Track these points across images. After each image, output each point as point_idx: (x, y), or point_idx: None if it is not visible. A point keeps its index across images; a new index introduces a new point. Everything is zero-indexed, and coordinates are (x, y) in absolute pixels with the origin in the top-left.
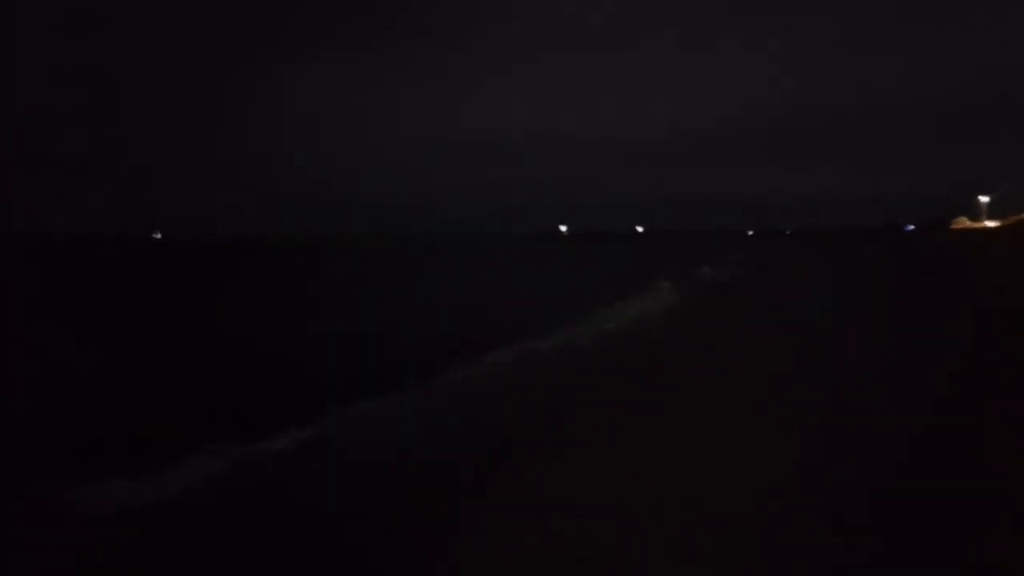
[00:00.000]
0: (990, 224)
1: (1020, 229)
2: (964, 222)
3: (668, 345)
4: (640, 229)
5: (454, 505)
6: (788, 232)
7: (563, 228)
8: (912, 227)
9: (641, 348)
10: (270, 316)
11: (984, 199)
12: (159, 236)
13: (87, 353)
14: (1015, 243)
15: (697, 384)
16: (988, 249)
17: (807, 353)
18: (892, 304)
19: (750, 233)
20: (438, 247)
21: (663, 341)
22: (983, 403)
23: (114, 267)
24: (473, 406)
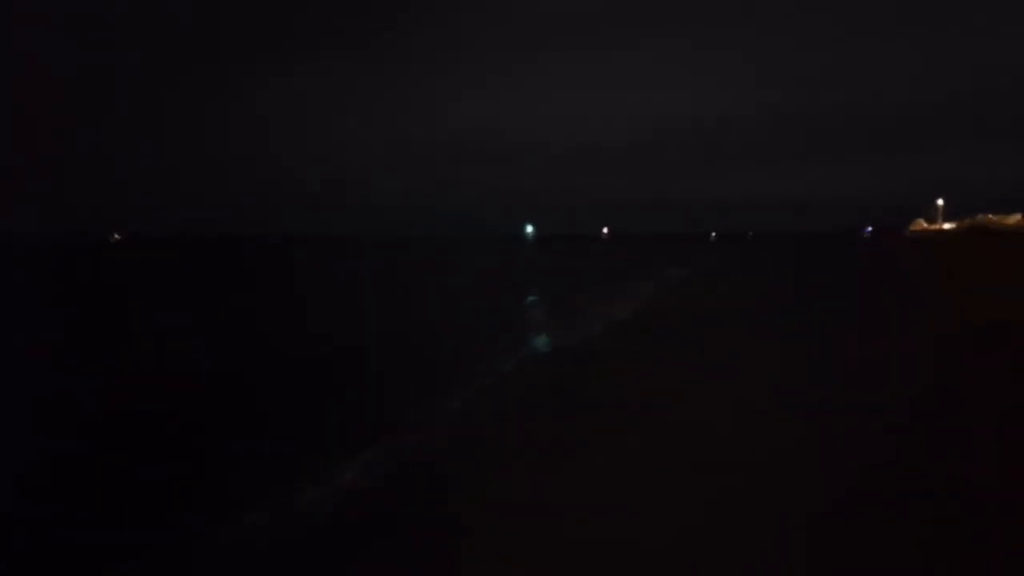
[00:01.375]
0: (946, 226)
1: (971, 231)
2: (921, 224)
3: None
4: (605, 231)
5: None
6: (750, 234)
7: (529, 229)
8: (870, 229)
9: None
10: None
11: (940, 202)
12: (117, 237)
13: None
14: (961, 243)
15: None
16: (937, 249)
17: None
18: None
19: (713, 235)
20: (404, 248)
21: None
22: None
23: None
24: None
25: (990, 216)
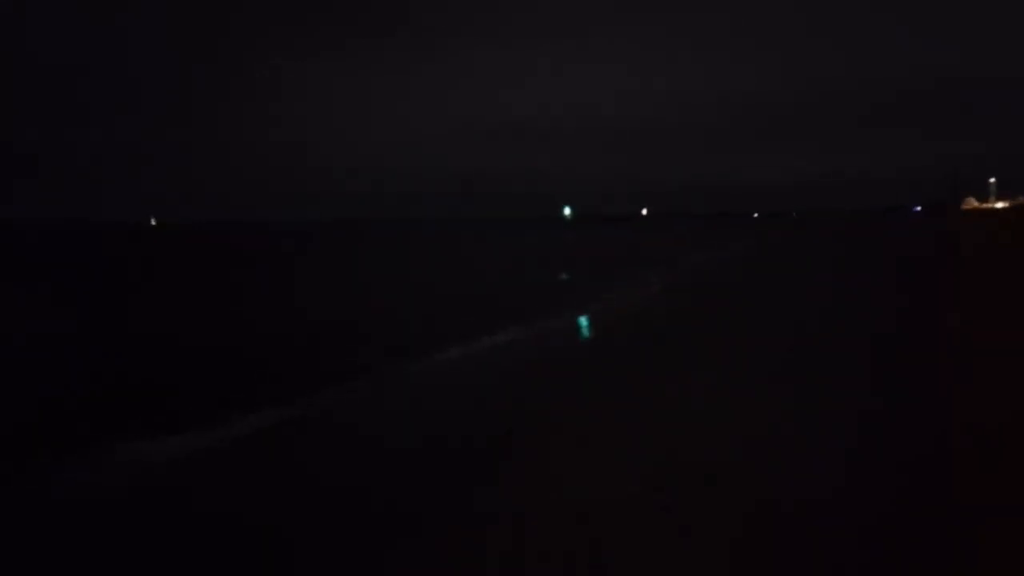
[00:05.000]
0: (999, 205)
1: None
2: (972, 203)
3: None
4: (644, 212)
5: None
6: (794, 214)
7: (567, 211)
8: (919, 208)
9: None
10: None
11: (993, 180)
12: (154, 223)
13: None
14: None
15: None
16: (987, 229)
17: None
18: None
19: (755, 215)
20: (439, 233)
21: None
22: None
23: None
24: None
25: None
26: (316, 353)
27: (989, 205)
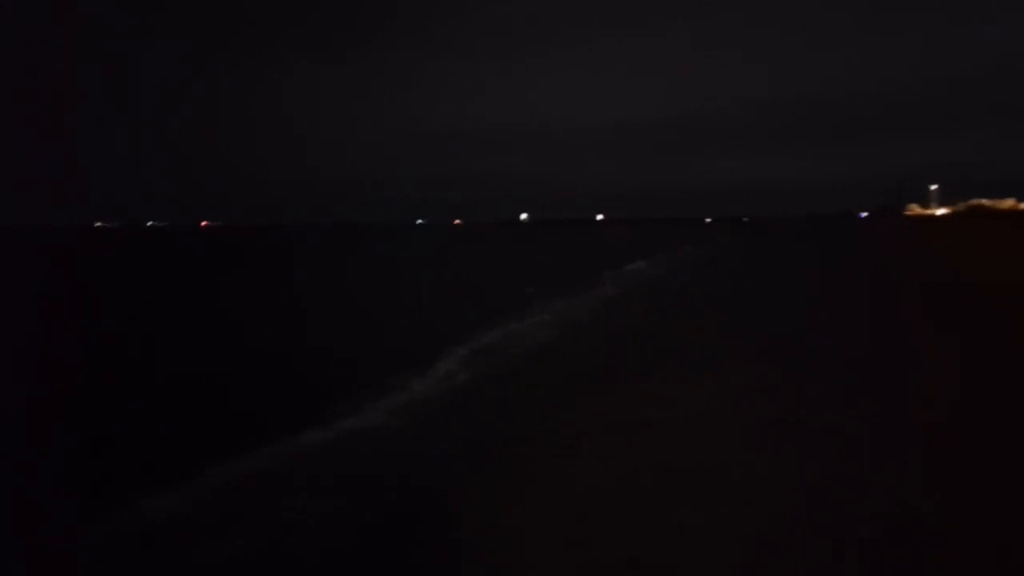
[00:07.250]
0: (939, 211)
1: (963, 215)
2: (915, 209)
3: None
4: (600, 217)
5: None
6: (745, 219)
7: (523, 216)
8: (865, 214)
9: None
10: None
11: (934, 187)
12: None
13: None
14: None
15: None
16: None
17: None
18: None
19: (707, 220)
20: (395, 237)
21: None
22: None
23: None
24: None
25: (983, 201)
26: None
27: (930, 211)
